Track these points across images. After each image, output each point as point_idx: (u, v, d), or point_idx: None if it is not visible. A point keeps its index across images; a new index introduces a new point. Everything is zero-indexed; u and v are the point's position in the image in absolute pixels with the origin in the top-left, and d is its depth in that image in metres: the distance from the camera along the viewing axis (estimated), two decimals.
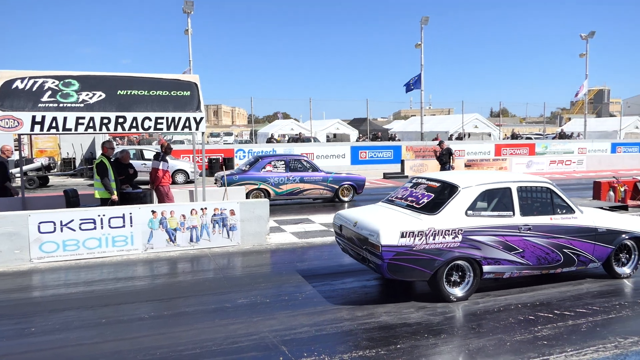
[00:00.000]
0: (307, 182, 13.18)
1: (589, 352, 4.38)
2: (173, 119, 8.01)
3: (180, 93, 8.35)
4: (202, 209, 8.17)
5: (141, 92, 8.12)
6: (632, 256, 6.70)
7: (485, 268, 5.79)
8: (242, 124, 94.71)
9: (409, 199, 6.29)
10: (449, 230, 5.58)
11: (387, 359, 4.27)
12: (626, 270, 6.67)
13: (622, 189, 12.56)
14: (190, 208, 8.14)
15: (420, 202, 6.06)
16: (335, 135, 43.36)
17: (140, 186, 10.20)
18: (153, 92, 8.19)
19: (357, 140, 36.31)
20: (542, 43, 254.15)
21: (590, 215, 6.46)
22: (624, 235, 6.50)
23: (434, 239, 5.52)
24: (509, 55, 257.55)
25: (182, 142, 31.14)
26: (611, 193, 12.40)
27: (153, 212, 7.91)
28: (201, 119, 8.21)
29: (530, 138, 38.37)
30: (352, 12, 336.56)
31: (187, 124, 8.11)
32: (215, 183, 13.93)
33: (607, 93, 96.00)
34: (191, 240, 8.12)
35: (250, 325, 5.00)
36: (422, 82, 27.99)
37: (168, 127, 8.04)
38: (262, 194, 12.72)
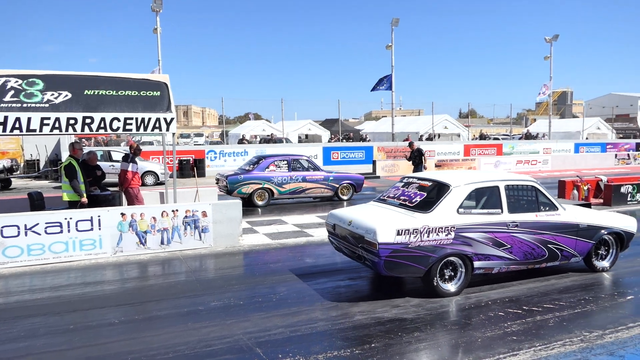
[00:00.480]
0: (309, 182, 13.48)
1: (556, 347, 4.51)
2: (143, 119, 7.85)
3: (150, 93, 8.19)
4: (173, 210, 8.04)
5: (109, 92, 7.93)
6: (611, 250, 7.01)
7: (476, 264, 5.99)
8: (213, 125, 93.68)
9: (402, 198, 6.44)
10: (442, 228, 5.74)
11: (362, 358, 4.30)
12: (605, 264, 6.99)
13: (585, 188, 12.98)
14: (161, 210, 8.00)
15: (413, 200, 6.21)
16: (307, 136, 43.37)
17: (109, 188, 9.96)
18: (122, 92, 8.01)
19: (329, 141, 36.38)
20: (509, 46, 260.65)
21: (572, 212, 6.74)
22: (603, 231, 6.79)
23: (428, 237, 5.67)
24: (477, 58, 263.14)
25: (151, 143, 30.59)
26: (575, 192, 12.80)
27: (122, 214, 7.74)
28: (172, 119, 8.08)
29: (497, 139, 39.22)
30: (324, 13, 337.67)
31: (157, 125, 7.96)
32: (216, 183, 13.96)
33: (570, 95, 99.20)
34: (162, 242, 7.98)
35: (224, 328, 4.95)
36: (393, 83, 28.26)
37: (137, 128, 7.87)
38: (266, 193, 13.02)
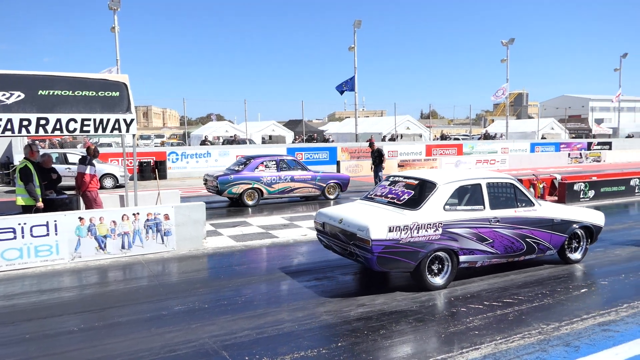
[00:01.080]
0: (297, 181, 13.73)
1: (516, 339, 4.66)
2: (101, 120, 7.63)
3: (108, 93, 7.97)
4: (134, 214, 7.84)
5: (65, 93, 7.66)
6: (582, 243, 7.42)
7: (462, 258, 6.26)
8: (174, 126, 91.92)
9: (389, 196, 6.63)
10: (430, 224, 5.99)
11: (329, 357, 4.31)
12: (577, 256, 7.39)
13: (541, 186, 13.49)
14: (121, 213, 7.79)
15: (401, 198, 6.42)
16: (270, 137, 43.19)
17: (65, 192, 9.62)
18: (78, 93, 7.76)
19: (292, 142, 36.36)
20: (468, 48, 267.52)
21: (547, 208, 7.10)
22: (575, 225, 7.19)
23: (417, 233, 5.90)
24: (438, 60, 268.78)
25: (110, 145, 29.75)
26: (531, 190, 13.26)
27: (80, 218, 7.49)
28: (132, 120, 7.88)
29: (458, 139, 40.17)
30: (287, 14, 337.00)
31: (116, 126, 7.75)
32: (204, 184, 14.08)
33: (526, 96, 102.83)
34: (123, 247, 7.76)
35: (189, 332, 4.86)
36: (356, 84, 28.51)
37: (96, 129, 7.64)
38: (256, 193, 13.20)
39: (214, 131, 42.12)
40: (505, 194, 6.82)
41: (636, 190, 14.98)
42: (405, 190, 6.54)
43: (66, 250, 7.39)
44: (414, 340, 4.69)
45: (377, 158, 16.59)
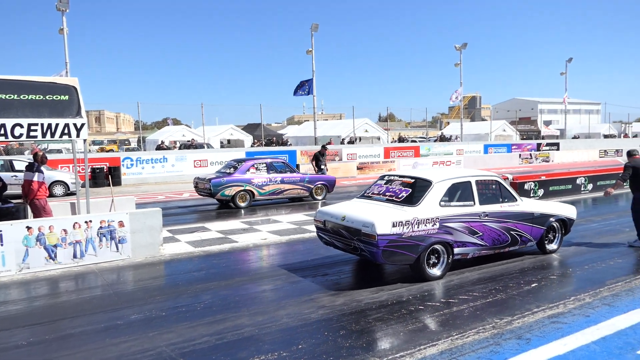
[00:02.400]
0: (287, 183, 14.10)
1: (471, 334, 4.80)
2: (49, 125, 7.35)
3: (57, 97, 7.68)
4: (86, 222, 7.57)
5: (9, 96, 7.33)
6: (557, 234, 8.03)
7: (456, 250, 6.71)
8: (129, 131, 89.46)
9: (387, 194, 7.01)
10: (428, 219, 6.42)
11: None
12: (554, 246, 7.98)
13: None
14: (72, 222, 7.50)
15: (399, 196, 6.81)
16: (229, 141, 42.73)
17: (11, 200, 9.20)
18: (24, 97, 7.44)
19: (251, 146, 36.10)
20: (424, 52, 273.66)
21: (528, 203, 7.74)
22: (551, 218, 7.80)
23: (417, 227, 6.32)
24: (395, 64, 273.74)
25: (59, 151, 28.63)
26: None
27: (28, 228, 7.16)
28: (82, 125, 7.63)
29: (415, 141, 41.03)
30: (244, 17, 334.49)
31: (65, 131, 7.48)
32: (195, 187, 14.12)
33: (479, 99, 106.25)
34: (75, 256, 7.48)
35: (146, 341, 4.74)
36: (314, 87, 28.64)
37: (44, 135, 7.35)
38: (248, 195, 13.50)
39: (170, 136, 41.28)
40: (491, 191, 7.30)
41: (582, 189, 15.74)
42: (403, 189, 6.92)
43: (13, 261, 7.05)
44: (374, 339, 4.75)
45: (322, 161, 17.50)
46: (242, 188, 13.36)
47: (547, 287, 6.30)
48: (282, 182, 14.00)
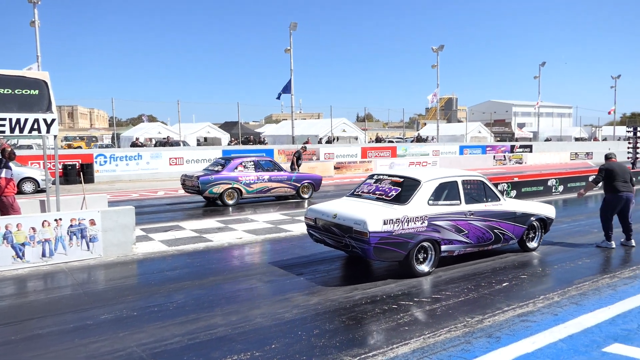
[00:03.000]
0: (274, 181, 14.23)
1: (443, 333, 4.86)
2: (18, 120, 7.16)
3: (26, 91, 7.48)
4: (56, 219, 7.39)
5: None
6: (538, 233, 8.30)
7: (443, 247, 6.91)
8: (103, 127, 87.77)
9: (377, 192, 7.16)
10: (417, 217, 6.59)
11: (263, 359, 4.29)
12: (534, 244, 8.24)
13: None
14: (41, 219, 7.32)
15: (389, 194, 6.97)
16: (206, 139, 42.34)
17: None
18: None
19: (228, 144, 35.83)
20: (402, 53, 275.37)
21: (510, 202, 8.02)
22: (532, 217, 8.06)
23: (407, 225, 6.48)
24: (373, 64, 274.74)
25: (30, 146, 27.91)
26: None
27: None
28: (52, 120, 7.45)
29: (392, 141, 41.36)
30: (223, 13, 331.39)
31: (35, 126, 7.30)
32: (182, 184, 14.12)
33: (456, 101, 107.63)
34: (44, 255, 7.30)
35: (116, 342, 4.66)
36: (292, 86, 28.59)
37: (12, 130, 7.16)
38: (236, 193, 13.61)
39: (145, 132, 40.69)
40: (477, 190, 7.51)
41: (553, 190, 16.11)
42: (392, 187, 7.07)
43: None
44: (347, 338, 4.76)
45: (297, 160, 18.14)
46: (230, 186, 13.45)
47: (518, 286, 6.42)
48: (270, 180, 14.12)
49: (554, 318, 5.25)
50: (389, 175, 7.44)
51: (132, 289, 6.37)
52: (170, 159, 22.91)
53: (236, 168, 13.70)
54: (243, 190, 13.68)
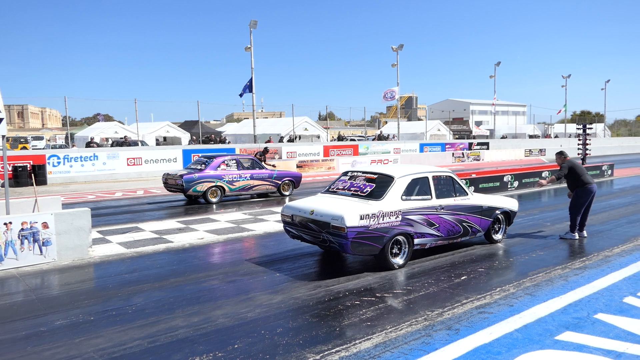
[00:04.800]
0: (256, 179, 14.49)
1: (404, 327, 4.94)
2: None
3: None
4: (5, 223, 7.07)
5: None
6: (502, 226, 8.69)
7: (416, 241, 7.17)
8: (56, 127, 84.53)
9: (352, 189, 7.33)
10: (392, 212, 6.80)
11: None
12: (499, 236, 8.63)
13: None
14: None
15: (364, 190, 7.14)
16: (165, 138, 41.49)
17: None
18: None
19: (189, 144, 35.21)
20: (363, 52, 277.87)
21: (477, 197, 8.27)
22: (497, 211, 8.43)
23: (383, 220, 6.70)
24: (334, 63, 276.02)
25: None
26: None
27: None
28: (0, 119, 7.11)
29: (354, 140, 41.66)
30: (182, 10, 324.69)
31: None
32: (164, 183, 14.23)
33: (416, 99, 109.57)
34: None
35: (72, 348, 4.50)
36: (254, 85, 28.36)
37: None
38: (219, 191, 13.79)
39: (101, 132, 39.52)
40: (446, 185, 7.78)
41: (509, 186, 16.66)
42: (367, 184, 7.25)
43: None
44: (311, 336, 4.77)
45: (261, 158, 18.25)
46: (213, 184, 13.61)
47: (476, 279, 6.61)
48: (252, 178, 14.36)
49: (509, 309, 5.43)
50: (363, 172, 7.62)
51: (88, 293, 6.17)
52: (128, 159, 22.29)
53: (219, 166, 13.81)
54: (226, 188, 13.85)
